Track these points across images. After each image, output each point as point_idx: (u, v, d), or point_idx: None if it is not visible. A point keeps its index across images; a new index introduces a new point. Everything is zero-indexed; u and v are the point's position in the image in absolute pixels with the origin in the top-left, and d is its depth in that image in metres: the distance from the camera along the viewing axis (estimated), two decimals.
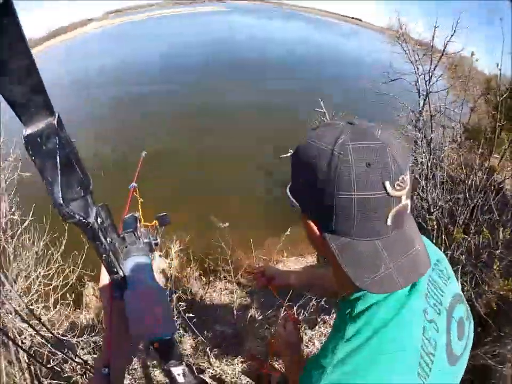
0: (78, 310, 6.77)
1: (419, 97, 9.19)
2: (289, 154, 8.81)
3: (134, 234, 1.52)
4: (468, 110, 8.08)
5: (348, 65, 23.43)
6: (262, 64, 23.93)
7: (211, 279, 8.07)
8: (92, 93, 21.70)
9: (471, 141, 7.41)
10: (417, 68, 9.29)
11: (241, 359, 4.65)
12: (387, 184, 1.01)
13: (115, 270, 1.35)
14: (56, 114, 0.99)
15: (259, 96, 20.31)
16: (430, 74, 8.70)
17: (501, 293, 4.01)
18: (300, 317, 5.07)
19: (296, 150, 1.21)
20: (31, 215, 5.65)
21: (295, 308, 5.00)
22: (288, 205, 1.26)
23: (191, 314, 5.37)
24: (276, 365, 4.31)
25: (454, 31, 8.50)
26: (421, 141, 8.05)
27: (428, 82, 8.62)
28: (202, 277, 8.11)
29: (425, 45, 10.22)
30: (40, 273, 5.29)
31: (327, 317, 5.29)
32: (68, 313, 6.19)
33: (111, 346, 1.33)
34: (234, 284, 7.85)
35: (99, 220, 1.23)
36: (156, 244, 1.62)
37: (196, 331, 5.10)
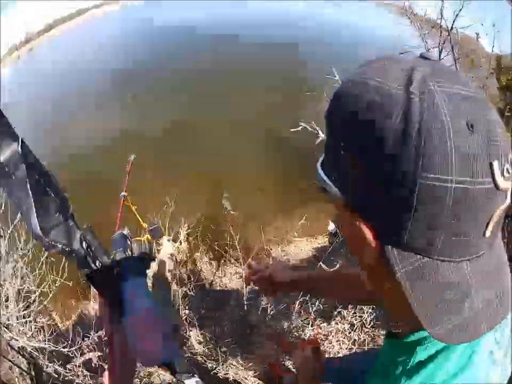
0: (86, 301, 6.68)
1: None
2: (300, 128, 8.65)
3: (125, 253, 1.41)
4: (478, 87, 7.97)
5: (354, 38, 22.97)
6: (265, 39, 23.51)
7: (221, 262, 7.92)
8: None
9: None
10: (426, 42, 9.05)
11: (252, 359, 4.53)
12: (496, 166, 0.63)
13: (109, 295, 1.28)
14: (19, 139, 0.89)
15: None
16: (440, 48, 8.54)
17: None
18: (312, 309, 4.88)
19: (337, 97, 0.78)
20: None
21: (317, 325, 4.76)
22: (319, 188, 0.88)
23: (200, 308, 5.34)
24: (288, 365, 4.22)
25: (462, 6, 8.32)
26: None
27: (438, 57, 8.45)
28: (211, 261, 7.93)
29: (432, 22, 10.12)
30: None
31: (345, 311, 4.95)
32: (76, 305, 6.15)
33: (115, 371, 1.30)
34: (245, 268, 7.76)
35: (84, 244, 1.14)
36: (151, 250, 1.50)
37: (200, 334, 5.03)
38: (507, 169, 0.63)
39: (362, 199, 0.74)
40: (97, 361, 4.16)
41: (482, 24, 6.57)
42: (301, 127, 8.53)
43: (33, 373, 3.90)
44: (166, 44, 25.83)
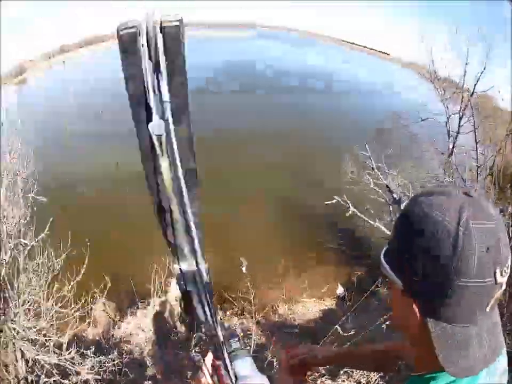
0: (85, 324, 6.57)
1: (448, 138, 9.08)
2: (334, 201, 8.69)
3: (239, 341, 1.66)
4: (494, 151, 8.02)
5: (378, 100, 23.27)
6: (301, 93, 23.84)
7: (228, 313, 7.81)
8: None
9: (498, 184, 7.19)
10: (447, 108, 9.26)
11: None
12: (497, 271, 0.94)
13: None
14: None
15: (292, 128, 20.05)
16: (461, 114, 8.67)
17: None
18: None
19: (409, 215, 1.05)
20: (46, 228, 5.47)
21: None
22: (384, 274, 1.13)
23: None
24: None
25: (484, 68, 8.42)
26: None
27: (458, 123, 8.60)
28: (220, 311, 7.83)
29: (454, 84, 10.30)
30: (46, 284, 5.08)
31: (353, 372, 4.86)
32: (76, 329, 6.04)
33: None
34: (252, 323, 7.64)
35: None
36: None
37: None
38: (504, 270, 0.93)
39: (415, 286, 1.00)
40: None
41: (499, 92, 6.60)
42: (335, 201, 8.54)
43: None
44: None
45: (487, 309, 0.97)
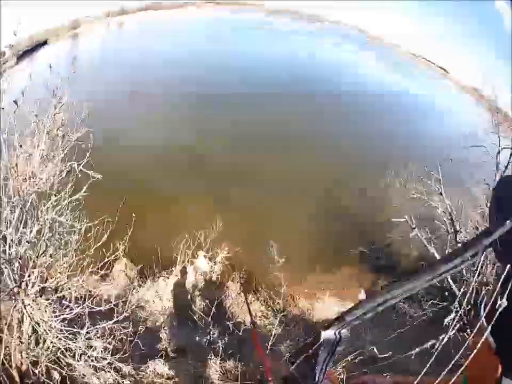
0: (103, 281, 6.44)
1: (497, 170, 8.70)
2: (403, 220, 8.78)
3: None
4: None
5: (428, 121, 22.84)
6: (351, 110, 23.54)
7: (251, 298, 7.63)
8: None
9: None
10: (499, 140, 8.94)
11: None
12: None
13: None
14: None
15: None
16: None
17: None
18: None
19: None
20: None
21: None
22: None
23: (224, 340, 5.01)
24: None
25: None
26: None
27: (510, 157, 8.46)
28: (241, 294, 7.65)
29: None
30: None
31: None
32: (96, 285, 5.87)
33: None
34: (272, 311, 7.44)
35: None
36: None
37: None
38: None
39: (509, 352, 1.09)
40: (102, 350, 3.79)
41: None
42: (404, 219, 8.59)
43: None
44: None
45: None
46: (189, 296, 6.69)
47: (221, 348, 4.82)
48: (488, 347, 1.13)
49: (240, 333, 5.70)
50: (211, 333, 5.39)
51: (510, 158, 8.38)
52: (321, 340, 1.49)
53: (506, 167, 8.41)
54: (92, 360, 3.67)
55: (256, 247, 9.34)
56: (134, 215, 5.46)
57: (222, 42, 34.43)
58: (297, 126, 19.71)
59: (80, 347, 3.66)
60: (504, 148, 8.85)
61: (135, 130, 15.44)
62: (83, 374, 3.47)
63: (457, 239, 8.21)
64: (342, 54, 42.47)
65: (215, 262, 7.65)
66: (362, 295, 10.06)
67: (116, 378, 3.56)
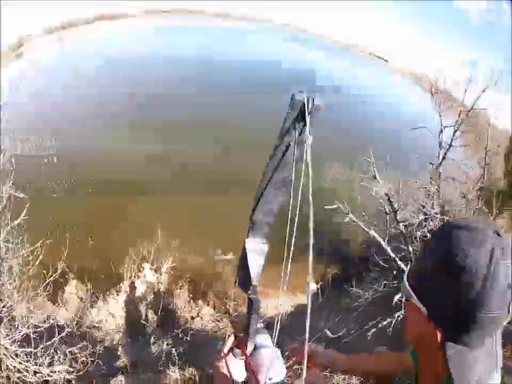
0: (56, 305, 6.42)
1: (440, 148, 9.14)
2: (335, 206, 8.89)
3: (263, 323, 1.92)
4: (482, 168, 8.18)
5: (371, 107, 23.40)
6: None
7: (200, 302, 7.73)
8: None
9: (482, 199, 7.29)
10: (441, 120, 9.26)
11: None
12: None
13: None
14: None
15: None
16: (456, 128, 8.76)
17: None
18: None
19: (444, 247, 1.11)
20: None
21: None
22: (403, 294, 1.24)
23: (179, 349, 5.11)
24: None
25: (485, 88, 8.53)
26: (433, 195, 8.28)
27: (452, 136, 8.77)
28: (191, 301, 7.75)
29: (451, 98, 10.47)
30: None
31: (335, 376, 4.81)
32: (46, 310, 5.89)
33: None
34: (224, 314, 7.59)
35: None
36: (265, 323, 2.01)
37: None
38: None
39: (442, 317, 1.11)
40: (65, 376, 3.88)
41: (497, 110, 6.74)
42: (336, 206, 8.80)
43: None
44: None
45: (495, 335, 1.14)
46: (139, 310, 6.75)
47: (175, 357, 4.94)
48: (422, 316, 1.15)
49: (188, 338, 5.87)
50: (164, 343, 5.49)
51: (453, 134, 8.81)
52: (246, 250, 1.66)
53: (450, 145, 8.79)
54: None
55: (203, 251, 9.42)
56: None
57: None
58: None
59: (42, 374, 3.73)
60: (446, 126, 9.21)
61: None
62: None
63: (398, 218, 8.49)
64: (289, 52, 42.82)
65: (160, 273, 7.71)
66: (313, 286, 10.29)
67: None
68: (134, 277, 7.24)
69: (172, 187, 13.51)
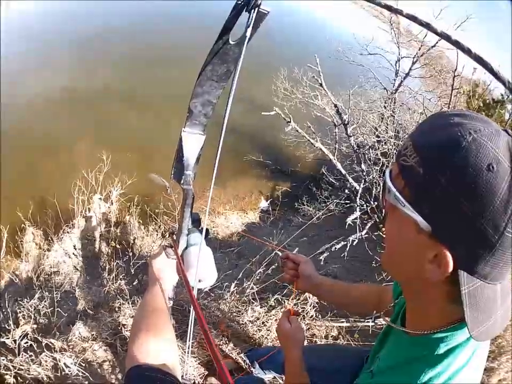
0: (17, 259, 6.47)
1: (395, 76, 9.42)
2: (273, 113, 8.58)
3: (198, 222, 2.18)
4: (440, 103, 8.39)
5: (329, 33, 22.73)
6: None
7: (151, 228, 7.86)
8: None
9: None
10: (400, 50, 9.36)
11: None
12: None
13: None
14: None
15: None
16: (415, 58, 9.05)
17: None
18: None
19: (452, 136, 0.90)
20: None
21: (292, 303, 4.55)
22: (381, 195, 1.13)
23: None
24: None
25: (455, 28, 8.58)
26: (387, 119, 8.26)
27: (410, 66, 9.03)
28: (141, 226, 7.88)
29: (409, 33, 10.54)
30: None
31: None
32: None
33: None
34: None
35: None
36: (197, 221, 2.17)
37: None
38: None
39: (455, 233, 0.90)
40: (33, 336, 4.07)
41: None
42: (274, 112, 8.43)
43: None
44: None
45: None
46: (94, 245, 6.82)
47: (126, 292, 5.00)
48: (416, 229, 0.96)
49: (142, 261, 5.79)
50: (115, 278, 5.50)
51: (412, 65, 9.02)
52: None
53: (407, 74, 9.11)
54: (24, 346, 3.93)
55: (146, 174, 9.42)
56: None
57: None
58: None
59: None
60: (404, 57, 9.40)
61: None
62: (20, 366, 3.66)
63: (348, 132, 8.48)
64: None
65: (111, 202, 7.71)
66: (264, 204, 10.53)
67: (51, 355, 3.81)
68: (84, 210, 7.18)
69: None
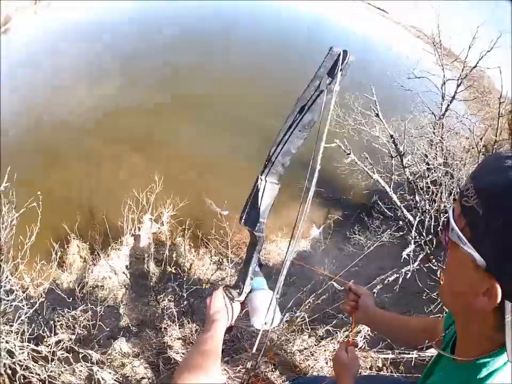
0: (59, 269, 6.51)
1: (442, 100, 9.18)
2: (333, 145, 8.50)
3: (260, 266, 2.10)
4: (485, 125, 8.20)
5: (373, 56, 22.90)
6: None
7: (201, 252, 7.84)
8: None
9: (484, 155, 7.27)
10: (444, 72, 9.29)
11: (235, 367, 4.32)
12: None
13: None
14: None
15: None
16: (459, 81, 8.89)
17: None
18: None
19: (507, 184, 0.98)
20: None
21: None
22: (447, 237, 1.15)
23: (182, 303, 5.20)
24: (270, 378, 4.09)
25: (492, 48, 8.41)
26: (436, 145, 8.12)
27: (455, 89, 8.85)
28: (192, 249, 7.88)
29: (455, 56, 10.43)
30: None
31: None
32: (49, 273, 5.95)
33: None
34: (226, 260, 7.67)
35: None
36: (261, 266, 2.11)
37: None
38: None
39: (507, 270, 0.97)
40: (69, 345, 3.98)
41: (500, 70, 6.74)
42: (334, 144, 8.34)
43: None
44: None
45: None
46: (142, 264, 6.86)
47: (175, 313, 5.02)
48: (474, 266, 1.02)
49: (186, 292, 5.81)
50: (163, 299, 5.54)
51: (456, 88, 8.84)
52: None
53: (453, 98, 8.85)
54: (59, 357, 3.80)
55: (199, 198, 9.47)
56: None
57: None
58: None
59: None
60: (449, 79, 9.28)
61: None
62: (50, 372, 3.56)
63: (404, 162, 8.35)
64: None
65: (162, 223, 7.77)
66: (315, 232, 10.42)
67: (88, 366, 3.72)
68: (134, 228, 7.27)
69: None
